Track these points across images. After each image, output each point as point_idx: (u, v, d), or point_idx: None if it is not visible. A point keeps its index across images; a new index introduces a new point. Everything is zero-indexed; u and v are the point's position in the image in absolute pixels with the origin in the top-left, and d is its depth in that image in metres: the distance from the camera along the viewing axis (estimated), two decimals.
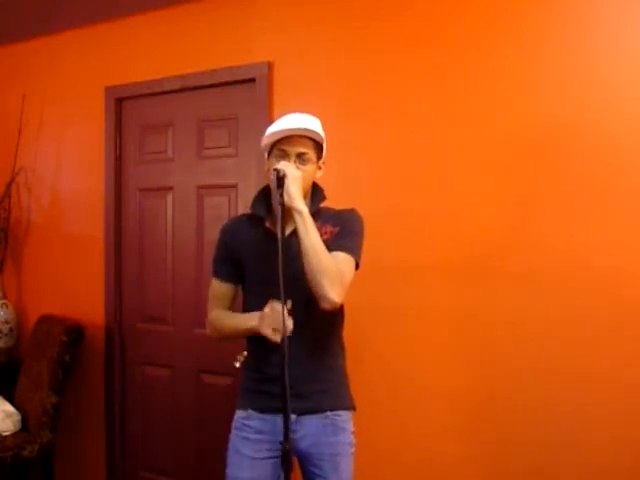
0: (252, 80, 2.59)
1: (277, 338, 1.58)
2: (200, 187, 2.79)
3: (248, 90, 2.61)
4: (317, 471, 1.70)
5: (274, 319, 1.59)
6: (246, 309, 1.78)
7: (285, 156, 1.65)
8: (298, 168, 1.63)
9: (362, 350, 2.27)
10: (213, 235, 2.70)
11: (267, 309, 1.63)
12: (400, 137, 2.30)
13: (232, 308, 1.87)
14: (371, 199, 2.29)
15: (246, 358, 1.80)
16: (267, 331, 1.61)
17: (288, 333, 1.50)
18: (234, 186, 2.69)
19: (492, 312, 2.13)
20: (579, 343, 2.00)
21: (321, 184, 1.81)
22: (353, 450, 1.76)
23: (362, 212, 1.78)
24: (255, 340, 1.73)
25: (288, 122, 1.68)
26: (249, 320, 1.69)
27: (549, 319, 2.04)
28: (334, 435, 1.71)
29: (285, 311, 1.47)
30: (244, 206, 2.58)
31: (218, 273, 1.86)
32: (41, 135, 3.21)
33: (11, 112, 3.23)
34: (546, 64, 2.06)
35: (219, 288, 1.85)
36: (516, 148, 2.11)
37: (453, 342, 2.19)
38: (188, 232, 2.81)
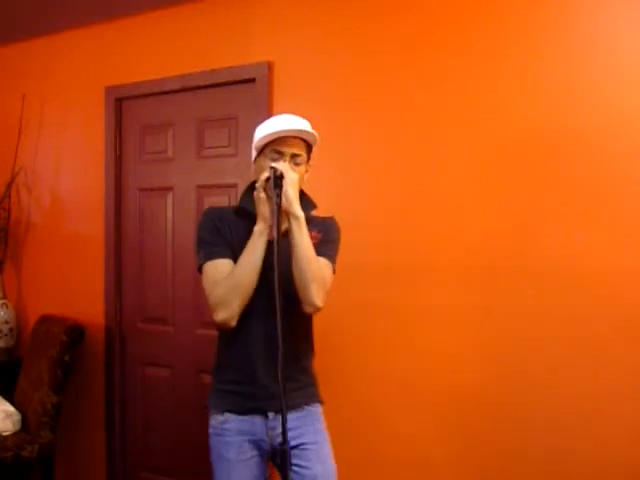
0: (252, 80, 2.59)
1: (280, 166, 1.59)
2: (200, 187, 2.79)
3: (248, 90, 2.61)
4: (301, 462, 1.66)
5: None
6: None
7: (280, 157, 1.63)
8: (292, 169, 1.61)
9: (365, 350, 2.27)
10: None
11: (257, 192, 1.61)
12: (400, 137, 2.30)
13: None
14: (371, 199, 2.28)
15: (217, 359, 1.79)
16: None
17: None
18: (234, 186, 2.69)
19: (493, 312, 2.13)
20: (579, 343, 1.99)
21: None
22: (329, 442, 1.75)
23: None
24: (229, 340, 1.72)
25: (283, 123, 1.66)
26: (253, 233, 1.61)
27: (549, 319, 2.04)
28: (312, 424, 1.72)
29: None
30: None
31: (217, 253, 1.65)
32: (41, 135, 3.21)
33: (11, 112, 3.23)
34: (546, 64, 2.06)
35: (224, 266, 1.63)
36: (516, 149, 2.10)
37: (453, 342, 2.19)
38: (188, 232, 2.80)
